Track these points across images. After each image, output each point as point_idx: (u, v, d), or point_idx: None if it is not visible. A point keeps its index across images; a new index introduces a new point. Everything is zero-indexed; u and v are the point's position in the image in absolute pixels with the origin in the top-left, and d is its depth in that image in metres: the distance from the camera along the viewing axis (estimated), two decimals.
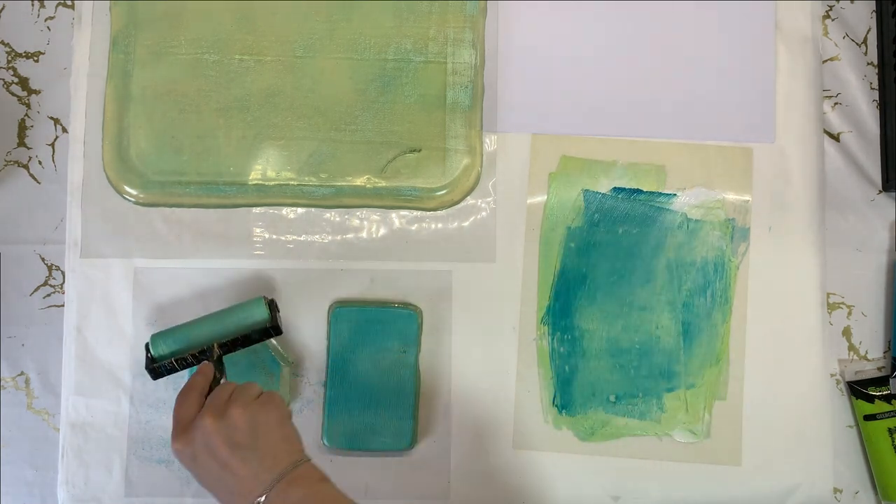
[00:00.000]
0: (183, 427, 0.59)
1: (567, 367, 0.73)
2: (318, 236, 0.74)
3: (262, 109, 0.73)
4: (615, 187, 0.74)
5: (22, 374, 0.74)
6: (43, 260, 0.74)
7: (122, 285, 0.73)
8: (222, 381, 0.65)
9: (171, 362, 0.66)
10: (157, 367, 0.66)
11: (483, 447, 0.72)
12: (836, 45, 0.77)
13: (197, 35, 0.74)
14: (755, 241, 0.74)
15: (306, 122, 0.73)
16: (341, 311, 0.72)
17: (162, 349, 0.67)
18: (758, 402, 0.73)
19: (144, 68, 0.73)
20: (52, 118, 0.75)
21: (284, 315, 0.72)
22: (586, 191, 0.74)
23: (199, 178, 0.73)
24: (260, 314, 0.67)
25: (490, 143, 0.74)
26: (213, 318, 0.68)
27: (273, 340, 0.72)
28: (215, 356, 0.66)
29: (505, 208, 0.74)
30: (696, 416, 0.73)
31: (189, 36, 0.74)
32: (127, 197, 0.73)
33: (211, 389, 0.63)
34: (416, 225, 0.74)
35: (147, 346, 0.67)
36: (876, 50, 0.77)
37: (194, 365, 0.66)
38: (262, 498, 0.55)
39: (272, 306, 0.69)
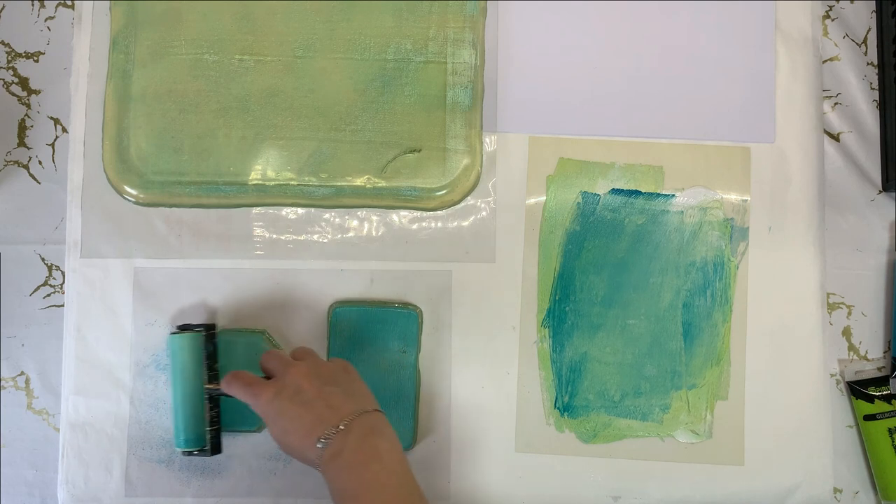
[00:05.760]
0: (270, 379, 0.62)
1: (568, 370, 0.73)
2: (318, 236, 0.74)
3: (262, 109, 0.73)
4: (613, 189, 0.74)
5: (22, 374, 0.74)
6: (43, 260, 0.74)
7: (122, 285, 0.73)
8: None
9: (210, 421, 0.69)
10: (205, 445, 0.69)
11: (483, 448, 0.72)
12: (836, 45, 0.77)
13: (197, 35, 0.74)
14: (754, 241, 0.74)
15: (306, 122, 0.73)
16: (341, 311, 0.72)
17: (189, 436, 0.69)
18: (758, 402, 0.73)
19: (144, 68, 0.73)
20: (52, 118, 0.75)
21: (285, 314, 0.72)
22: (584, 193, 0.74)
23: (199, 178, 0.73)
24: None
25: (490, 143, 0.74)
26: (179, 385, 0.70)
27: (273, 339, 0.72)
28: (213, 394, 0.69)
29: (505, 208, 0.74)
30: (698, 417, 0.73)
31: (189, 36, 0.74)
32: (127, 197, 0.73)
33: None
34: (416, 225, 0.74)
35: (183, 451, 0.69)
36: (876, 50, 0.77)
37: (219, 396, 0.69)
38: (346, 422, 0.58)
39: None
